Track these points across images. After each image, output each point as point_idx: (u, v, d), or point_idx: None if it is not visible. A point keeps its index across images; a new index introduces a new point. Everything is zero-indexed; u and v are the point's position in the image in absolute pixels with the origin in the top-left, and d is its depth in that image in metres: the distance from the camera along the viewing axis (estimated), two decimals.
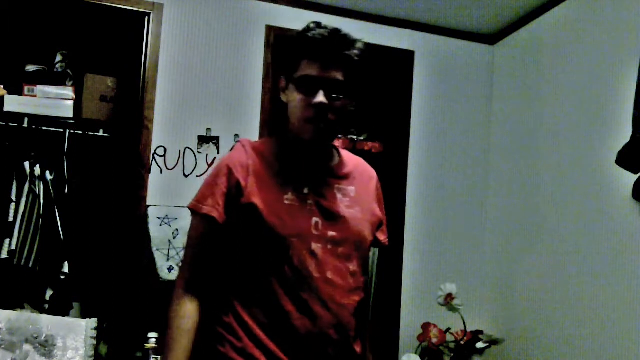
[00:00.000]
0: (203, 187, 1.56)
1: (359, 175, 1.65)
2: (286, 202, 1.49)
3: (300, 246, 1.47)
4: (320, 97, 1.47)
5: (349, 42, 1.51)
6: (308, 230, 1.48)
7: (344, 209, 1.55)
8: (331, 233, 1.50)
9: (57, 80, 3.42)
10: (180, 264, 1.58)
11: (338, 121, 1.52)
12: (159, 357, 2.57)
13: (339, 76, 1.49)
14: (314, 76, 1.48)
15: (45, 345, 2.35)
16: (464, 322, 3.12)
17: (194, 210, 1.53)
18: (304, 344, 1.46)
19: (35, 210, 3.17)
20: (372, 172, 1.71)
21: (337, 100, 1.49)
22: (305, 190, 1.52)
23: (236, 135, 3.20)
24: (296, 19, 3.34)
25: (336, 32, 1.50)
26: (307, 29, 1.52)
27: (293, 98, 1.52)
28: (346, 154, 1.69)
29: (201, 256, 1.53)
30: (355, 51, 1.51)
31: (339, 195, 1.56)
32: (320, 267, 1.48)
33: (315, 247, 1.48)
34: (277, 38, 3.30)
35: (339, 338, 1.50)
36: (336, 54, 1.49)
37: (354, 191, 1.59)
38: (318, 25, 1.53)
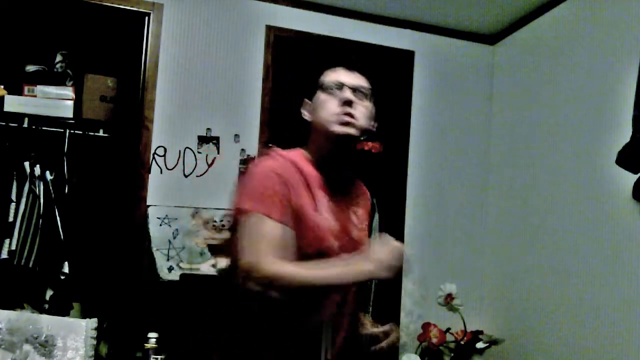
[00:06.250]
0: (259, 191, 1.48)
1: (362, 194, 1.75)
2: (316, 220, 1.52)
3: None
4: (348, 93, 1.56)
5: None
6: (330, 250, 1.53)
7: (356, 231, 1.64)
8: (344, 254, 1.56)
9: (57, 80, 3.42)
10: (250, 257, 1.45)
11: (362, 128, 1.58)
12: (159, 357, 2.57)
13: (362, 82, 1.61)
14: (340, 80, 1.59)
15: (45, 345, 2.34)
16: (464, 322, 3.12)
17: (267, 215, 1.45)
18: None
19: (35, 210, 3.17)
20: (368, 193, 1.79)
21: (362, 101, 1.58)
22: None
23: (236, 135, 3.20)
24: (296, 19, 3.34)
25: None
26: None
27: (320, 102, 1.59)
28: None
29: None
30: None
31: (353, 218, 1.65)
32: None
33: None
34: (277, 38, 3.30)
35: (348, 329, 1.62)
36: (356, 65, 1.62)
37: (359, 211, 1.69)
38: None
